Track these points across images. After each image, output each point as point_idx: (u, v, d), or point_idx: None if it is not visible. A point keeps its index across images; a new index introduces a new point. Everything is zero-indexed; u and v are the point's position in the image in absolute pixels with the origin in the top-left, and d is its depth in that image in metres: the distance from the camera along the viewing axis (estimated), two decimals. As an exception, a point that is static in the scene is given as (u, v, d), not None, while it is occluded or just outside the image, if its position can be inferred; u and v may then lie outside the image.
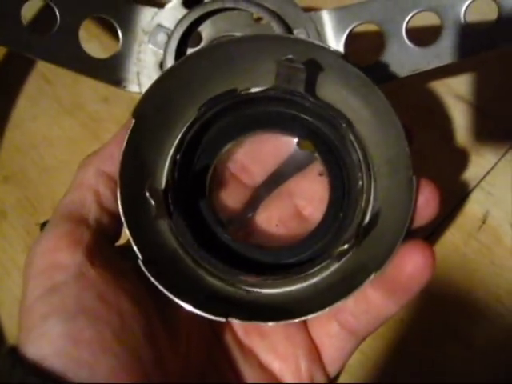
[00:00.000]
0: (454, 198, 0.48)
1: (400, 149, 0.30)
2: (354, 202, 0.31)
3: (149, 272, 0.27)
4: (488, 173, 0.49)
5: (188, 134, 0.31)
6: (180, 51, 0.41)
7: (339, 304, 0.27)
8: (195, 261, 0.30)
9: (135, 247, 0.27)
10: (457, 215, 0.48)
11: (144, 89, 0.42)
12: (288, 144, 0.35)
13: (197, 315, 0.30)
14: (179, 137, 0.32)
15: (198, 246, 0.30)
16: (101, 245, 0.28)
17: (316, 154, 0.33)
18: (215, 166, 0.34)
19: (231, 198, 0.35)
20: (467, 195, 0.49)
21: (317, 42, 0.31)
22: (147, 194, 0.29)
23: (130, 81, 0.43)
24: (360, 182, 0.31)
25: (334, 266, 0.31)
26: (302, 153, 0.34)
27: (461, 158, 0.50)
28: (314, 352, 0.31)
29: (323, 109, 0.32)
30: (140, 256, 0.27)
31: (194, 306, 0.27)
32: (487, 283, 0.45)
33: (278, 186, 0.35)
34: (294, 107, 0.33)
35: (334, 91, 0.32)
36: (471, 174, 0.49)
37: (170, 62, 0.41)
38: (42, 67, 0.53)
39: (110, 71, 0.42)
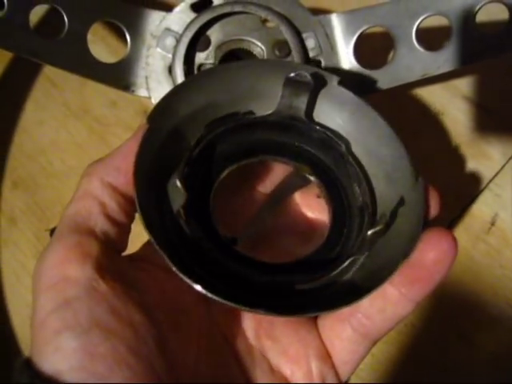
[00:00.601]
0: (463, 200, 0.48)
1: (399, 161, 0.31)
2: (358, 216, 0.32)
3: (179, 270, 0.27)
4: (496, 174, 0.49)
5: (195, 150, 0.32)
6: (189, 55, 0.41)
7: (366, 296, 0.28)
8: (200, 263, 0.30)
9: (157, 247, 0.27)
10: (465, 217, 0.48)
11: (153, 93, 0.42)
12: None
13: (207, 321, 0.30)
14: (187, 152, 0.32)
15: (217, 249, 0.30)
16: (109, 256, 0.27)
17: (313, 178, 0.34)
18: (218, 184, 0.34)
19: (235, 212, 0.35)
20: (475, 197, 0.48)
21: (316, 68, 0.33)
22: (177, 182, 0.29)
23: (138, 85, 0.42)
24: (360, 199, 0.32)
25: (352, 270, 0.31)
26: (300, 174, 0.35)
27: (469, 160, 0.50)
28: (325, 354, 0.31)
29: (321, 132, 0.34)
30: (164, 253, 0.27)
31: (236, 302, 0.26)
32: (496, 286, 0.45)
33: (279, 205, 0.36)
34: (292, 134, 0.35)
35: (331, 113, 0.34)
36: (479, 175, 0.49)
37: (178, 67, 0.41)
38: (49, 71, 0.53)
39: (119, 76, 0.42)
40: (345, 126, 0.34)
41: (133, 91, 0.42)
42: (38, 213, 0.50)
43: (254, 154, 0.35)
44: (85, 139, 0.52)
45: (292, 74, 0.32)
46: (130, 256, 0.30)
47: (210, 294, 0.26)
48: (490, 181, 0.49)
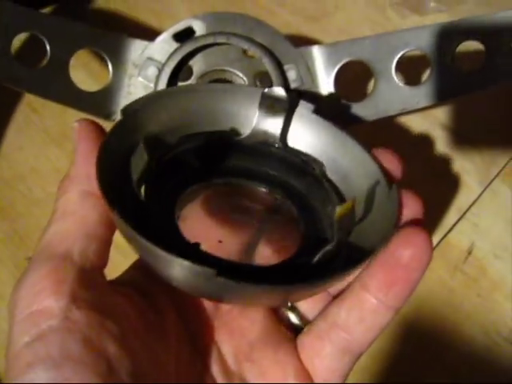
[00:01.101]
0: (440, 229, 0.49)
1: (374, 181, 0.31)
2: (330, 232, 0.32)
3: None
4: (473, 203, 0.50)
5: (165, 155, 0.32)
6: (171, 85, 0.41)
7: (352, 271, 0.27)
8: None
9: (127, 226, 0.25)
10: (442, 247, 0.48)
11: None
12: None
13: (186, 346, 0.30)
14: (156, 156, 0.32)
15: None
16: (86, 282, 0.27)
17: (286, 201, 0.35)
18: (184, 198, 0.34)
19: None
20: (453, 226, 0.49)
21: (292, 95, 0.34)
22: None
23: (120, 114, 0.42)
24: (333, 219, 0.32)
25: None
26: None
27: (446, 189, 0.51)
28: (305, 374, 0.31)
29: (294, 157, 0.34)
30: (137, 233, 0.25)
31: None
32: (473, 316, 0.46)
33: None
34: (265, 158, 0.35)
35: (305, 139, 0.35)
36: (456, 204, 0.50)
37: (160, 96, 0.41)
38: (29, 96, 0.53)
39: (101, 105, 0.42)
40: (319, 151, 0.34)
41: (114, 120, 0.42)
42: (17, 241, 0.49)
43: (224, 176, 0.35)
44: (65, 166, 0.50)
45: (266, 90, 0.33)
46: (111, 281, 0.30)
47: (200, 268, 0.24)
48: (467, 210, 0.50)
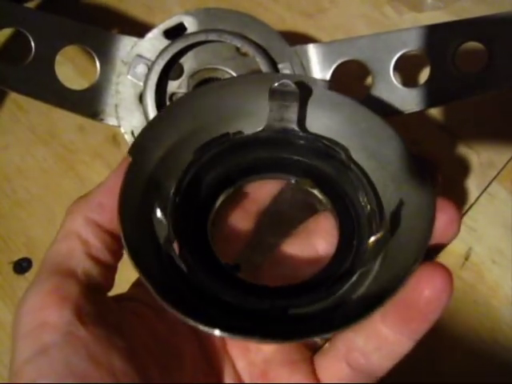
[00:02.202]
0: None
1: (402, 161, 0.30)
2: (367, 226, 0.31)
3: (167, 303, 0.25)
4: (470, 207, 0.49)
5: (185, 178, 0.31)
6: (161, 84, 0.40)
7: (373, 314, 0.26)
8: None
9: (144, 281, 0.26)
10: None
11: (123, 122, 0.41)
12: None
13: (201, 362, 0.29)
14: (176, 181, 0.31)
15: (211, 280, 0.29)
16: (91, 299, 0.26)
17: (315, 191, 0.33)
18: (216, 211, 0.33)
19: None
20: (450, 230, 0.48)
21: (300, 76, 0.33)
22: (158, 212, 0.28)
23: (107, 113, 0.41)
24: (368, 207, 0.31)
25: (365, 285, 0.29)
26: (300, 191, 0.34)
27: (443, 193, 0.49)
28: None
29: (317, 142, 0.32)
30: (153, 289, 0.26)
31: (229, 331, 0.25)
32: (469, 323, 0.45)
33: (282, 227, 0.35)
34: (288, 148, 0.33)
35: (324, 120, 0.32)
36: (454, 208, 0.49)
37: (149, 95, 0.40)
38: (15, 93, 0.51)
39: (87, 104, 0.40)
40: (341, 132, 0.32)
41: (101, 119, 0.41)
42: (0, 244, 0.47)
43: (250, 174, 0.34)
44: (51, 166, 0.49)
45: (276, 84, 0.31)
46: (118, 296, 0.29)
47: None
48: (464, 214, 0.48)
